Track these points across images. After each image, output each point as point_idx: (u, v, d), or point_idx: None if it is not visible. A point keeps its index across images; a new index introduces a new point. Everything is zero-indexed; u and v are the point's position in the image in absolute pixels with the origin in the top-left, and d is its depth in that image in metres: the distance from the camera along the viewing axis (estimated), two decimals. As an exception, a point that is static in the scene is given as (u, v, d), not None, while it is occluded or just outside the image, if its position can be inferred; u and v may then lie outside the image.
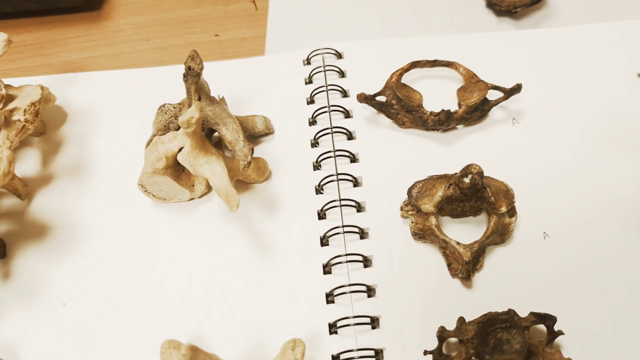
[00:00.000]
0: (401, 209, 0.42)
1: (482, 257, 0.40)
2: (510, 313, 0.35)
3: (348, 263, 0.40)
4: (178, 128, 0.43)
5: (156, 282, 0.41)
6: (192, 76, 0.41)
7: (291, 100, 0.48)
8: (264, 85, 0.49)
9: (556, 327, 0.36)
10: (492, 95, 0.45)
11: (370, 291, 0.39)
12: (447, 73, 0.48)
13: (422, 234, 0.40)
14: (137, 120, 0.48)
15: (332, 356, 0.37)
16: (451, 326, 0.36)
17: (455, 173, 0.39)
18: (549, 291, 0.39)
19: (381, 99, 0.46)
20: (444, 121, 0.44)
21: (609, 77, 0.48)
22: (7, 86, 0.44)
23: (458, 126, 0.46)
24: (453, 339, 0.36)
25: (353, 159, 0.45)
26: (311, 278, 0.40)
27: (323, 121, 0.47)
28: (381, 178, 0.44)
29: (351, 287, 0.39)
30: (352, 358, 0.37)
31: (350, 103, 0.47)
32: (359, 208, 0.43)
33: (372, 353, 0.37)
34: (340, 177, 0.43)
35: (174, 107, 0.45)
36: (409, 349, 0.37)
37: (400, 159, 0.45)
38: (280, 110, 0.48)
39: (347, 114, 0.47)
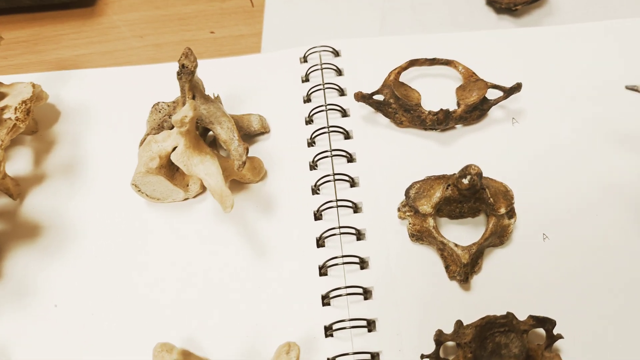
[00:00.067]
0: (398, 209, 0.41)
1: (481, 259, 0.39)
2: (509, 317, 0.34)
3: (344, 265, 0.40)
4: (172, 127, 0.42)
5: (150, 283, 0.40)
6: (186, 74, 0.40)
7: (287, 98, 0.48)
8: (260, 84, 0.49)
9: (555, 331, 0.35)
10: (492, 94, 0.45)
11: (366, 293, 0.39)
12: (446, 71, 0.48)
13: (420, 235, 0.40)
14: (131, 119, 0.47)
15: (328, 359, 0.37)
16: (449, 329, 0.35)
17: (454, 174, 0.38)
18: (548, 294, 0.38)
19: (379, 97, 0.45)
20: (442, 120, 0.44)
21: (611, 76, 0.47)
22: (-2, 84, 0.44)
23: (457, 126, 0.45)
24: (451, 343, 0.36)
25: (350, 158, 0.44)
26: (307, 280, 0.40)
27: (320, 120, 0.46)
28: (378, 178, 0.43)
29: (347, 289, 0.39)
30: (348, 362, 0.36)
31: (348, 102, 0.47)
32: (356, 209, 0.42)
33: (368, 356, 0.36)
34: (337, 177, 0.43)
35: (168, 106, 0.44)
36: (406, 352, 0.37)
37: (398, 159, 0.44)
38: (276, 109, 0.47)
39: (344, 113, 0.46)
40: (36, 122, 0.48)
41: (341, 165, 0.44)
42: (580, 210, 0.41)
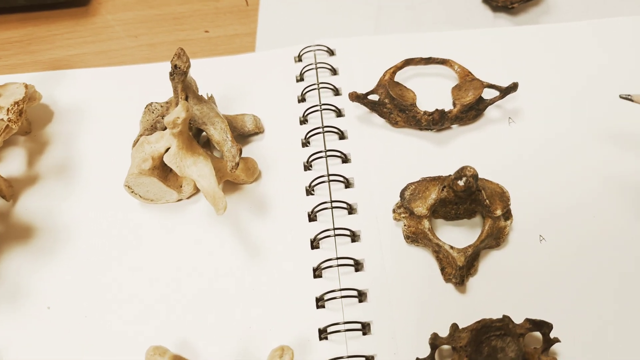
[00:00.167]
0: (394, 211, 0.41)
1: (477, 262, 0.39)
2: (505, 320, 0.34)
3: (339, 267, 0.39)
4: (165, 128, 0.41)
5: (143, 285, 0.40)
6: (179, 75, 0.39)
7: (282, 98, 0.47)
8: (254, 83, 0.48)
9: (552, 334, 0.35)
10: (488, 94, 0.44)
11: (361, 296, 0.38)
12: (441, 71, 0.47)
13: (415, 237, 0.39)
14: (125, 119, 0.47)
15: (322, 363, 0.36)
16: (444, 333, 0.35)
17: (449, 175, 0.38)
18: (545, 296, 0.38)
19: (374, 97, 0.45)
20: (438, 121, 0.43)
21: (608, 75, 0.47)
22: (-10, 84, 0.43)
23: (452, 126, 0.45)
24: (446, 346, 0.35)
25: (345, 159, 0.44)
26: (301, 282, 0.39)
27: (314, 120, 0.46)
28: (373, 179, 0.43)
29: (342, 291, 0.38)
30: (343, 365, 0.36)
31: (342, 101, 0.46)
32: (351, 210, 0.42)
33: (362, 360, 0.36)
34: (331, 178, 0.42)
35: (161, 106, 0.44)
36: (401, 355, 0.36)
37: (393, 160, 0.44)
38: (270, 109, 0.47)
39: (339, 113, 0.46)
40: (30, 122, 0.47)
41: (336, 166, 0.43)
42: (577, 212, 0.41)
